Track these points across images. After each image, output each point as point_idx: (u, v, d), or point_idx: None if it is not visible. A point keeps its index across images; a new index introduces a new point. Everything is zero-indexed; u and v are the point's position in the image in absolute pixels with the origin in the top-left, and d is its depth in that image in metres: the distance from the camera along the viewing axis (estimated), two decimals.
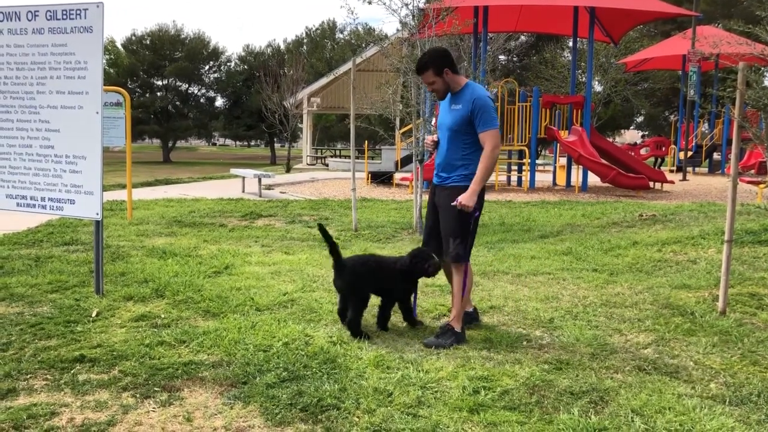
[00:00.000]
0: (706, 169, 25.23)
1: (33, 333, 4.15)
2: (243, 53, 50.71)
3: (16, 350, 3.86)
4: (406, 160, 16.85)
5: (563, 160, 17.44)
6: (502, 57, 33.67)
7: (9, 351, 3.85)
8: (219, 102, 50.76)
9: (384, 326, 4.31)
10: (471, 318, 4.44)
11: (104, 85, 5.23)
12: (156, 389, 3.33)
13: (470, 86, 4.23)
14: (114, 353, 3.81)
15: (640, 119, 47.04)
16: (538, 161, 20.52)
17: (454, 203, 4.08)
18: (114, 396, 3.25)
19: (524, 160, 17.05)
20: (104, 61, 5.96)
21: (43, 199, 5.22)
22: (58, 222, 8.77)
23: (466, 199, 4.05)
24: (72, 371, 3.56)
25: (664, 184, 16.29)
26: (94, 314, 4.59)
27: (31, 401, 3.17)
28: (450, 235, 4.18)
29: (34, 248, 7.05)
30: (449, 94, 4.27)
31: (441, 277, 4.70)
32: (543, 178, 19.17)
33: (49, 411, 3.05)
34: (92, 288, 5.22)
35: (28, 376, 3.48)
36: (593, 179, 16.31)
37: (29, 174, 5.24)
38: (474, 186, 4.08)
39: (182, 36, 47.00)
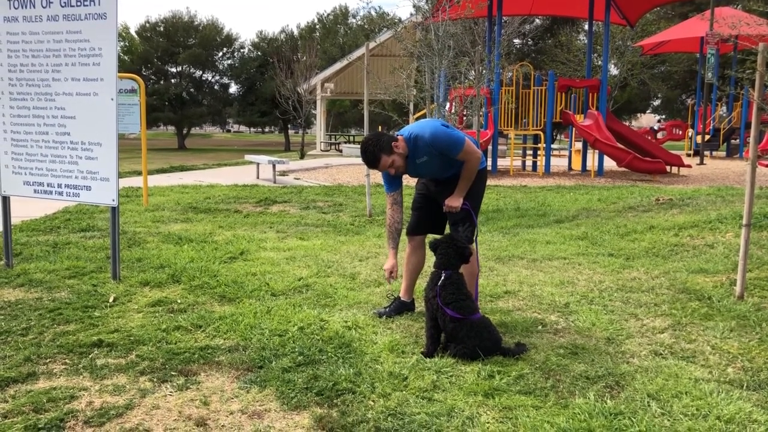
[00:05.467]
0: (723, 153, 24.95)
1: (52, 318, 4.20)
2: (256, 39, 50.76)
3: (36, 335, 3.91)
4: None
5: (579, 145, 17.30)
6: (516, 41, 33.39)
7: (28, 336, 3.90)
8: (233, 88, 50.91)
9: None
10: (407, 307, 4.43)
11: (118, 72, 5.24)
12: (173, 373, 3.36)
13: (413, 138, 4.01)
14: (131, 338, 3.84)
15: (656, 103, 46.57)
16: (553, 146, 20.38)
17: (445, 208, 4.13)
18: (131, 380, 3.28)
19: (539, 145, 16.94)
20: (118, 47, 5.96)
21: (59, 185, 5.27)
22: (74, 208, 8.85)
23: (452, 201, 4.10)
24: (90, 356, 3.60)
25: (681, 169, 16.13)
26: (111, 299, 4.63)
27: (50, 385, 3.21)
28: (459, 221, 4.17)
29: (52, 234, 7.12)
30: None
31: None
32: (558, 163, 19.04)
33: (68, 394, 3.08)
34: (109, 274, 5.27)
35: (48, 360, 3.53)
36: (609, 163, 16.19)
37: (46, 161, 5.28)
38: (459, 193, 4.11)
39: (196, 23, 47.08)
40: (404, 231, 4.43)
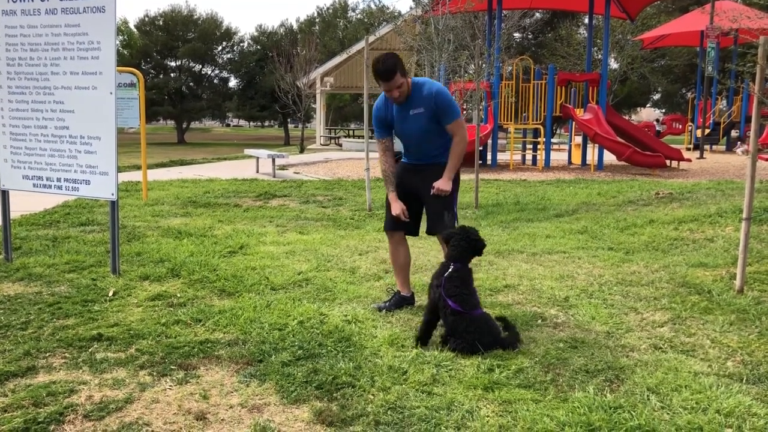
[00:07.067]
0: (723, 147, 24.93)
1: (51, 312, 4.20)
2: (256, 33, 50.64)
3: (35, 329, 3.91)
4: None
5: (579, 139, 17.29)
6: (516, 34, 33.37)
7: (28, 330, 3.89)
8: (232, 82, 50.81)
9: None
10: (407, 301, 4.44)
11: (118, 66, 5.23)
12: (172, 367, 3.36)
13: (420, 83, 4.09)
14: (131, 332, 3.84)
15: (656, 97, 46.52)
16: (553, 140, 20.36)
17: (433, 191, 4.12)
18: (131, 374, 3.28)
19: (539, 139, 16.92)
20: (117, 41, 5.94)
21: (58, 179, 5.26)
22: (74, 203, 8.84)
23: (442, 184, 4.10)
24: (90, 350, 3.60)
25: (681, 163, 16.12)
26: (110, 294, 4.63)
27: (50, 379, 3.21)
28: (444, 209, 4.19)
29: (51, 229, 7.12)
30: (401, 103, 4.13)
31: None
32: (558, 157, 19.03)
33: (67, 388, 3.08)
34: (109, 268, 5.27)
35: (47, 354, 3.53)
36: (609, 157, 16.17)
37: (45, 155, 5.27)
38: (449, 174, 4.12)
39: (195, 17, 46.95)
40: (384, 226, 4.50)
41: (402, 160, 4.42)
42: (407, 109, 4.10)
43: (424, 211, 4.35)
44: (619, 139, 15.14)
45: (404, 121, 4.14)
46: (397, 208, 4.26)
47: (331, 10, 55.27)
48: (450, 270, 3.67)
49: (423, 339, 3.66)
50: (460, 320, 3.55)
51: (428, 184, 4.15)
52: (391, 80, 3.96)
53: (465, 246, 3.73)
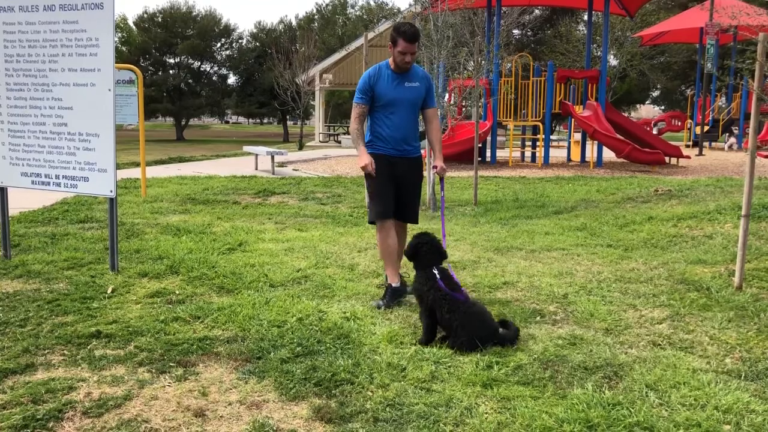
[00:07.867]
0: (722, 144, 24.93)
1: (50, 309, 4.20)
2: (255, 30, 50.53)
3: (34, 326, 3.91)
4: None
5: (578, 136, 17.27)
6: (516, 31, 33.29)
7: (27, 327, 3.89)
8: (231, 79, 50.71)
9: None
10: (401, 291, 4.48)
11: (116, 62, 5.22)
12: (171, 364, 3.36)
13: (415, 66, 4.49)
14: (130, 329, 3.84)
15: (656, 94, 46.47)
16: (552, 137, 20.35)
17: (435, 172, 4.52)
18: (130, 371, 3.28)
19: (538, 136, 16.91)
20: (116, 38, 5.92)
21: (57, 176, 5.25)
22: (72, 200, 8.83)
23: (440, 162, 4.48)
24: (89, 347, 3.59)
25: (680, 159, 16.12)
26: (109, 291, 4.62)
27: (49, 376, 3.21)
28: (418, 199, 4.58)
29: (50, 226, 7.11)
30: (397, 72, 4.42)
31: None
32: (557, 154, 19.02)
33: (66, 385, 3.08)
34: (107, 265, 5.26)
35: (46, 351, 3.53)
36: (608, 154, 16.17)
37: (43, 152, 5.26)
38: (440, 155, 4.55)
39: (194, 13, 46.86)
40: (373, 216, 4.60)
41: (375, 151, 4.50)
42: (404, 81, 4.41)
43: (404, 199, 4.59)
44: (618, 136, 15.13)
45: (399, 90, 4.42)
46: (366, 159, 4.41)
47: (330, 7, 55.20)
48: (437, 274, 3.74)
49: (428, 342, 3.66)
50: (454, 317, 3.55)
51: (414, 174, 4.56)
52: (416, 43, 4.30)
53: (435, 250, 3.87)
